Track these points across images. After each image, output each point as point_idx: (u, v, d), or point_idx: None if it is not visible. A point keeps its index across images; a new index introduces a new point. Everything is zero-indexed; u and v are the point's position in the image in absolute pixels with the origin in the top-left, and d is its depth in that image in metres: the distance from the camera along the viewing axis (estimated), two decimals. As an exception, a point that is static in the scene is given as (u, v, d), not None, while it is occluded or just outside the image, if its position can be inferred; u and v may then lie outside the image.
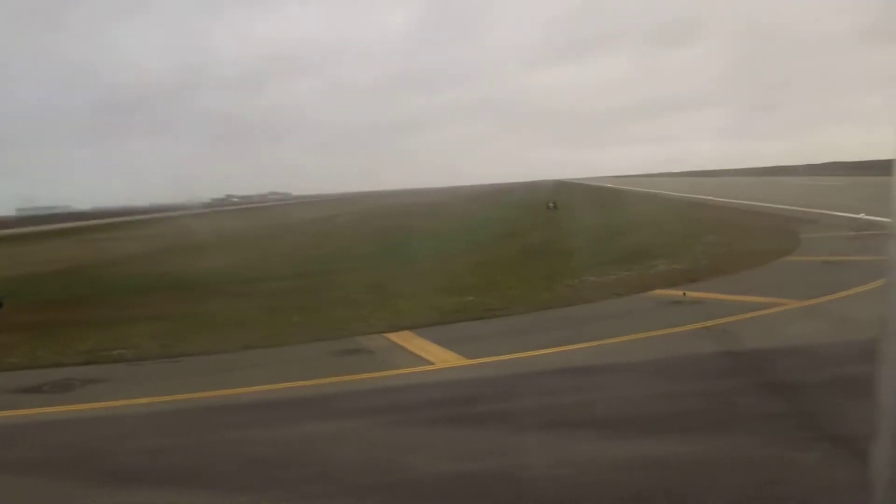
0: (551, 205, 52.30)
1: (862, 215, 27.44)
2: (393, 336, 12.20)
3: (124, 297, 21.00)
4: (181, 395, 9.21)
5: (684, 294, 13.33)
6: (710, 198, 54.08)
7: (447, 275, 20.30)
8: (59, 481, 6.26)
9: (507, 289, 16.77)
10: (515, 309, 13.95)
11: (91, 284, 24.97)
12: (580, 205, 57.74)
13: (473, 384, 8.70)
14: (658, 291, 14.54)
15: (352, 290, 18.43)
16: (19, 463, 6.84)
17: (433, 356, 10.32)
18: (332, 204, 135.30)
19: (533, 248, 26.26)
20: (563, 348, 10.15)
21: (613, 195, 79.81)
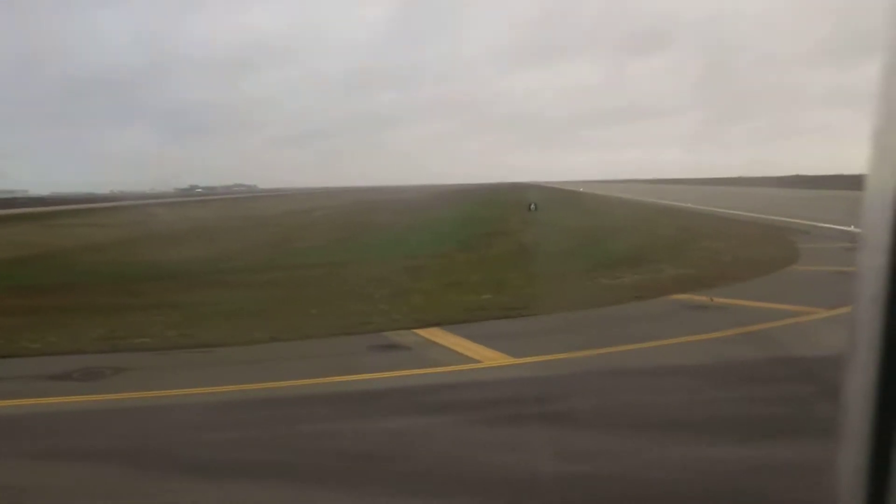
0: (532, 206, 52.42)
1: (852, 227, 28.00)
2: (422, 332, 12.02)
3: (111, 284, 20.45)
4: (229, 386, 8.91)
5: (711, 300, 13.36)
6: (688, 205, 54.74)
7: (452, 271, 20.14)
8: (156, 472, 5.97)
9: (518, 288, 16.68)
10: (537, 309, 13.83)
11: (71, 271, 24.25)
12: (559, 207, 57.93)
13: (535, 383, 8.58)
14: (678, 296, 14.57)
15: (357, 284, 18.17)
16: (95, 453, 6.52)
17: (476, 354, 10.16)
18: (303, 198, 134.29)
19: (529, 248, 26.26)
20: (609, 349, 10.08)
21: (590, 199, 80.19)
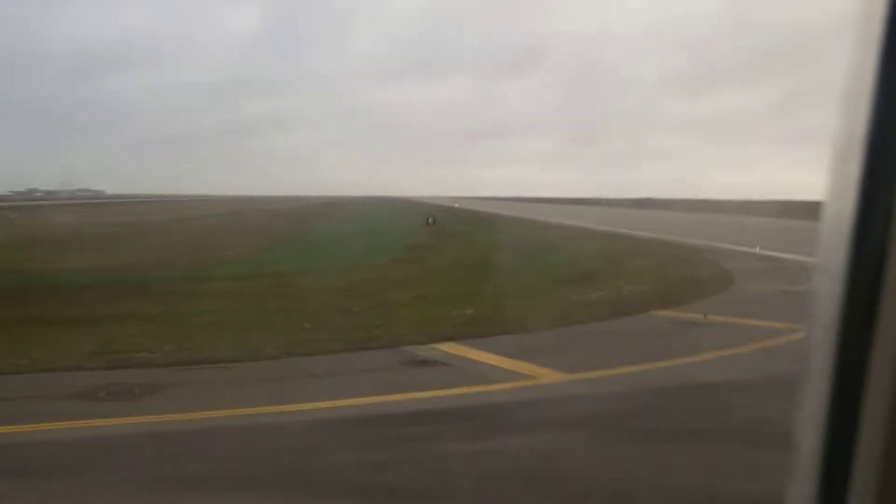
0: (431, 220, 52.67)
1: (757, 249, 30.09)
2: (443, 347, 11.87)
3: (47, 293, 18.77)
4: (296, 405, 8.50)
5: (705, 316, 13.94)
6: (574, 223, 56.62)
7: (410, 284, 19.93)
8: (349, 499, 5.56)
9: (491, 303, 16.66)
10: (530, 325, 13.90)
11: None
12: (456, 222, 58.20)
13: (619, 399, 8.70)
14: (660, 312, 15.14)
15: (323, 297, 17.64)
16: (239, 477, 6.00)
17: (521, 369, 10.14)
18: (170, 206, 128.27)
19: (465, 262, 26.30)
20: (652, 365, 10.33)
21: (481, 216, 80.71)
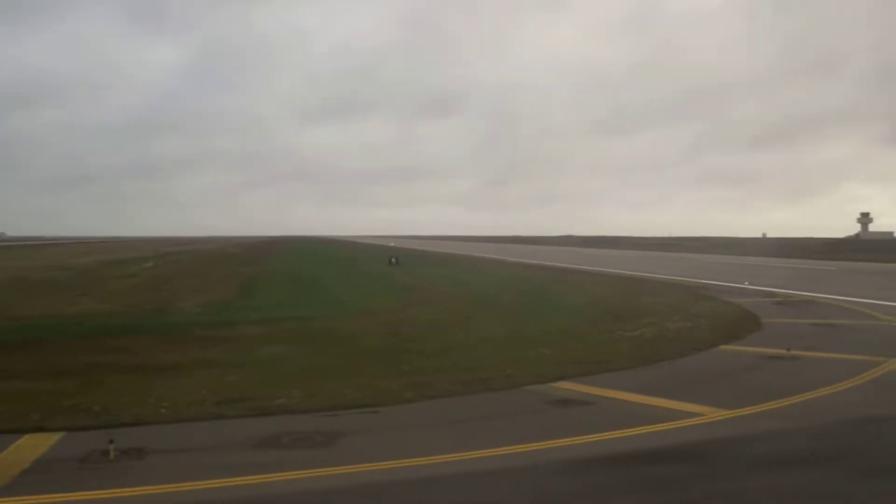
0: (394, 260, 52.64)
1: (746, 284, 31.35)
2: (564, 385, 11.95)
3: (78, 341, 17.77)
4: (492, 450, 8.36)
5: (788, 350, 14.42)
6: (541, 262, 57.51)
7: (459, 326, 19.89)
8: None
9: (555, 341, 16.69)
10: (623, 361, 14.06)
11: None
12: (416, 262, 58.13)
13: (807, 435, 8.97)
14: (727, 347, 15.59)
15: (381, 339, 17.42)
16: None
17: (678, 407, 10.20)
18: (92, 247, 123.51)
19: (479, 303, 26.25)
20: (797, 399, 10.63)
21: (438, 256, 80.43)
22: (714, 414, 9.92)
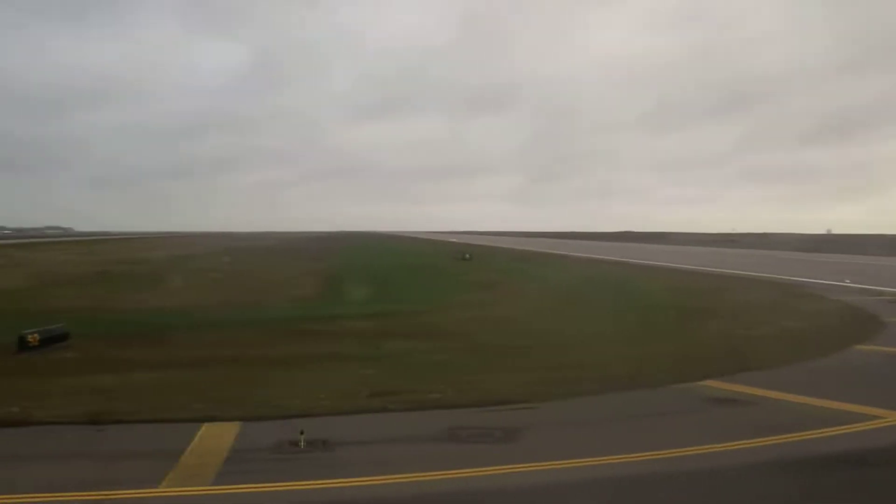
0: (467, 255, 52.87)
1: (847, 282, 30.51)
2: (712, 384, 11.75)
3: (206, 333, 18.08)
4: (693, 448, 8.25)
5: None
6: (612, 258, 56.64)
7: (554, 320, 19.81)
8: None
9: (679, 338, 16.51)
10: (761, 360, 13.72)
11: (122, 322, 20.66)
12: (486, 257, 57.75)
13: None
14: (862, 346, 15.14)
15: (491, 333, 17.42)
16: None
17: (853, 409, 9.89)
18: (165, 242, 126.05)
19: (568, 300, 26.10)
20: None
21: (495, 250, 79.99)
22: (892, 417, 9.59)
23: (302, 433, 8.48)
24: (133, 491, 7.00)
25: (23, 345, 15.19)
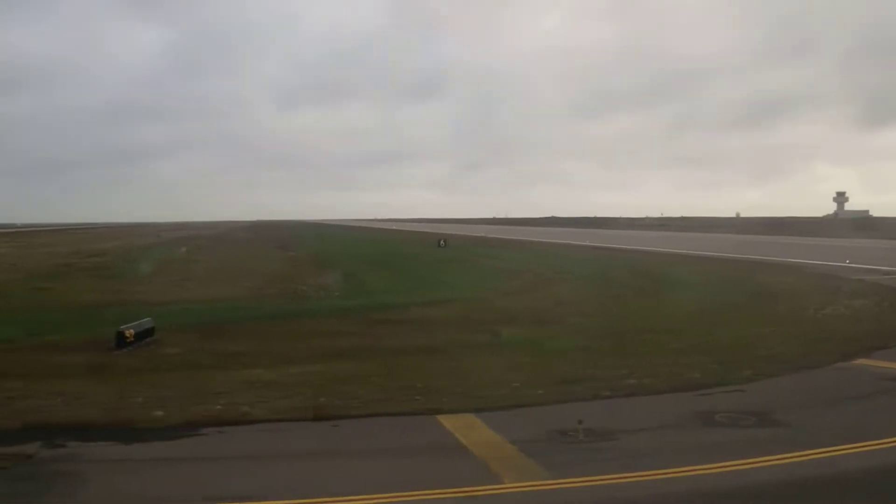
0: (442, 243, 52.62)
1: (847, 262, 31.60)
2: (870, 362, 12.16)
3: (281, 323, 17.57)
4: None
5: None
6: (570, 241, 55.73)
7: (622, 305, 19.95)
8: None
9: (765, 322, 16.82)
10: (870, 342, 13.86)
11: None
12: (465, 246, 56.78)
13: None
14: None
15: (584, 318, 17.29)
16: None
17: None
18: (109, 234, 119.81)
19: (609, 285, 25.88)
20: None
21: (461, 239, 78.43)
22: None
23: (580, 422, 8.36)
24: (480, 487, 6.79)
25: (121, 340, 14.39)
